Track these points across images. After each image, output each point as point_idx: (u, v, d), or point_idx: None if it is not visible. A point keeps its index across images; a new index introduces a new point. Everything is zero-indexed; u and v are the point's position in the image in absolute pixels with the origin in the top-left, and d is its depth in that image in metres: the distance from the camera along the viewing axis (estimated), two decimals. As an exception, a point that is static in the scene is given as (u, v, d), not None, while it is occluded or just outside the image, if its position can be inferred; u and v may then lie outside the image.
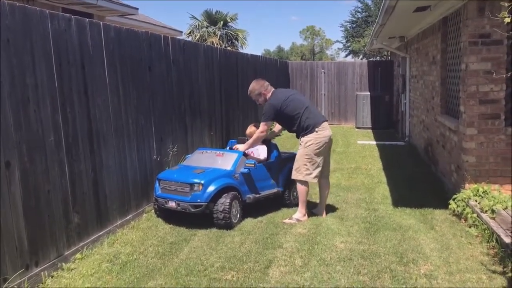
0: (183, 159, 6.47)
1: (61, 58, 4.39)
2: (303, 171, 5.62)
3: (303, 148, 5.61)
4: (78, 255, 4.55)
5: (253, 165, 5.65)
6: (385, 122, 14.73)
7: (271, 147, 6.34)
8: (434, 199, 6.32)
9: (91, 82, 4.85)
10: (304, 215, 5.66)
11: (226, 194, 5.33)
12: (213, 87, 8.68)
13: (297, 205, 5.81)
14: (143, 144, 5.96)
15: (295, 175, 5.70)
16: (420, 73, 9.78)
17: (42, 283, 4.05)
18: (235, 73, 10.22)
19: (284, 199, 6.23)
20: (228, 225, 5.28)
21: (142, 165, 5.88)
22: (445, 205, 5.83)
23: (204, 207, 5.25)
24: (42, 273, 4.08)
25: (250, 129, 6.35)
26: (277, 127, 6.35)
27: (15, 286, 3.78)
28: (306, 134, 5.61)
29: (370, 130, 14.40)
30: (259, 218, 5.70)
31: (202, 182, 5.26)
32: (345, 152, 10.48)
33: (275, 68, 14.80)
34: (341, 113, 16.31)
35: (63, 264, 4.35)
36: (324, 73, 16.27)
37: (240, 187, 5.58)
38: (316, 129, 5.58)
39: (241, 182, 5.64)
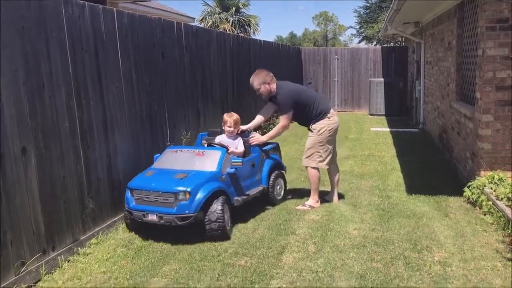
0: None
1: (75, 45, 4.41)
2: (316, 158, 5.60)
3: (316, 136, 5.57)
4: (93, 240, 4.61)
5: (241, 163, 4.99)
6: (398, 109, 14.60)
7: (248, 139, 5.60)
8: (448, 186, 6.27)
9: (104, 69, 4.86)
10: (317, 202, 5.66)
11: (216, 200, 4.61)
12: (226, 73, 8.66)
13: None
14: (157, 131, 5.98)
15: (307, 163, 5.66)
16: (435, 59, 9.65)
17: (59, 267, 4.11)
18: (247, 59, 10.17)
19: (268, 196, 5.65)
20: (223, 235, 4.60)
21: (156, 152, 5.90)
22: (459, 193, 5.78)
23: (193, 218, 4.47)
24: (58, 257, 4.15)
25: (234, 116, 5.51)
26: (258, 119, 5.85)
27: (33, 270, 3.85)
28: (318, 120, 5.57)
29: (383, 117, 14.29)
30: (269, 206, 5.70)
31: (189, 189, 4.44)
32: (358, 139, 10.42)
33: (287, 54, 14.71)
34: (354, 99, 16.19)
35: (79, 249, 4.41)
36: (338, 59, 16.14)
37: (227, 190, 4.87)
38: (328, 115, 5.57)
39: (227, 183, 4.92)
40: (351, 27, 76.08)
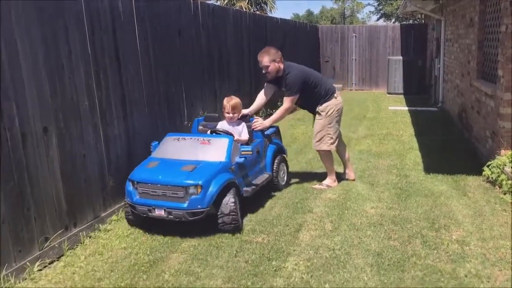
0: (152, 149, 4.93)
1: (93, 25, 4.43)
2: (327, 140, 5.49)
3: (325, 118, 5.43)
4: (114, 217, 4.71)
5: (251, 152, 4.67)
6: (417, 88, 14.39)
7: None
8: (467, 165, 6.20)
9: (122, 48, 4.89)
10: (334, 181, 5.66)
11: (228, 193, 4.33)
12: (242, 52, 8.62)
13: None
14: (174, 110, 6.02)
15: (319, 146, 5.53)
16: (455, 37, 9.45)
17: (81, 243, 4.22)
18: (264, 37, 10.10)
19: (273, 183, 5.37)
20: (236, 229, 4.33)
21: (173, 131, 5.94)
22: (478, 172, 5.73)
23: (205, 214, 4.19)
24: (80, 233, 4.25)
25: (232, 100, 5.15)
26: (259, 102, 5.60)
27: (56, 245, 3.96)
28: (326, 101, 5.42)
29: (402, 96, 14.12)
30: (287, 183, 5.72)
31: (200, 183, 4.12)
32: (376, 118, 10.34)
33: (304, 32, 14.55)
34: (372, 78, 16.00)
35: (100, 225, 4.51)
36: (356, 37, 15.92)
37: (237, 181, 4.58)
38: (335, 95, 5.50)
39: (236, 174, 4.60)
40: (369, 4, 74.66)
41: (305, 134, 8.56)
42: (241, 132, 5.11)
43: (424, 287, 3.34)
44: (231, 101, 5.12)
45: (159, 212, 4.20)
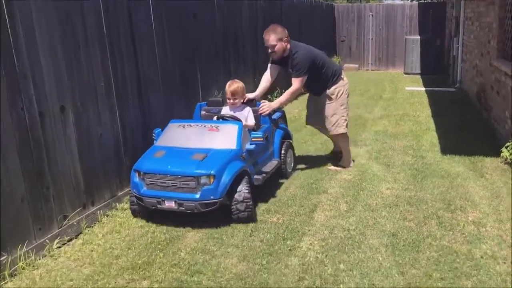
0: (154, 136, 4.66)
1: (108, 5, 4.42)
2: (342, 123, 5.36)
3: (336, 100, 5.29)
4: (130, 196, 4.76)
5: (262, 138, 4.48)
6: (435, 68, 14.15)
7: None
8: (485, 146, 6.12)
9: (138, 29, 4.88)
10: (351, 162, 5.64)
11: (242, 181, 4.16)
12: (257, 33, 8.54)
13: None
14: (189, 91, 6.02)
15: (336, 130, 5.36)
16: (475, 15, 9.24)
17: (99, 221, 4.29)
18: (279, 18, 9.97)
19: (281, 170, 5.16)
20: (250, 217, 4.15)
21: (188, 112, 5.95)
22: (496, 153, 5.65)
23: (218, 205, 4.03)
24: (98, 212, 4.32)
25: (233, 85, 4.87)
26: (264, 85, 5.38)
27: (74, 223, 4.04)
28: (334, 83, 5.26)
29: (419, 76, 13.90)
30: (301, 165, 5.72)
31: (213, 172, 3.94)
32: (392, 98, 10.23)
33: (320, 11, 14.35)
34: (389, 58, 15.77)
35: (117, 204, 4.58)
36: (372, 16, 15.66)
37: (249, 169, 4.39)
38: (342, 76, 5.36)
39: (247, 161, 4.40)
40: (386, -18, 73.24)
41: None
42: (247, 117, 4.86)
43: (440, 268, 3.34)
44: (231, 86, 4.83)
45: (169, 204, 4.01)
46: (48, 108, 3.76)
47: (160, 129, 4.63)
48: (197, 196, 3.95)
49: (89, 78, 4.21)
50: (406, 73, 14.46)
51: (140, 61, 4.92)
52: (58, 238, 3.86)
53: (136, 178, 4.16)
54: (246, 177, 4.23)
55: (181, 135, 4.47)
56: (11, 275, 3.42)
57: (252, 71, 8.21)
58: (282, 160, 5.10)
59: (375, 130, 7.33)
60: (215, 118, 4.89)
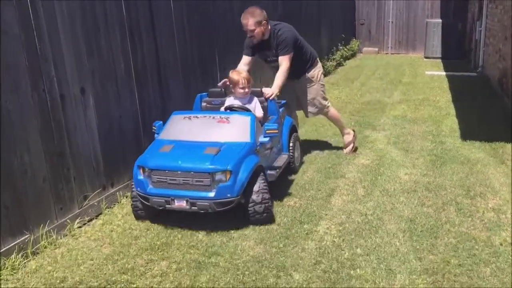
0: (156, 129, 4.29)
1: (127, -14, 4.42)
2: (326, 103, 5.38)
3: (317, 84, 5.25)
4: (149, 178, 4.81)
5: (276, 130, 4.15)
6: (456, 52, 13.87)
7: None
8: (506, 133, 6.01)
9: (157, 12, 4.87)
10: (349, 133, 5.59)
11: (258, 178, 3.82)
12: (276, 13, 8.45)
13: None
14: (207, 74, 6.01)
15: (324, 112, 5.41)
16: (500, -3, 9.01)
17: (118, 202, 4.36)
18: (298, 3, 9.86)
19: (289, 164, 4.81)
20: (268, 218, 3.85)
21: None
22: (518, 139, 5.56)
23: (235, 203, 3.72)
24: (117, 193, 4.39)
25: (244, 73, 4.62)
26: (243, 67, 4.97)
27: (95, 204, 4.11)
28: (313, 66, 5.22)
29: (439, 60, 13.66)
30: (319, 150, 5.70)
31: (229, 168, 3.61)
32: (412, 83, 10.08)
33: (340, -6, 14.11)
34: (409, 42, 15.48)
35: (136, 186, 4.63)
36: (393, -1, 15.35)
37: (263, 164, 4.06)
38: (317, 58, 5.35)
39: (261, 155, 4.07)
40: (408, -36, 71.58)
41: (338, 99, 8.45)
42: (255, 108, 4.53)
43: (458, 254, 3.32)
44: (242, 74, 4.55)
45: (180, 204, 3.67)
46: (68, 90, 3.80)
47: (161, 122, 4.28)
48: (212, 194, 3.61)
49: (109, 61, 4.23)
50: (426, 57, 14.21)
51: (159, 44, 4.93)
52: (79, 218, 3.94)
53: (140, 176, 3.78)
54: (262, 174, 3.90)
55: (188, 128, 4.12)
56: (34, 253, 3.50)
57: (270, 54, 8.14)
58: (291, 154, 4.79)
59: (394, 115, 7.26)
60: (222, 109, 4.58)
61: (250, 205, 3.74)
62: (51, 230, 3.68)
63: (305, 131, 6.49)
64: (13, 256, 3.34)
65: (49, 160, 3.65)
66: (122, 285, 3.11)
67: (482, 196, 4.23)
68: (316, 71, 5.28)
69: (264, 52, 5.01)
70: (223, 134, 4.00)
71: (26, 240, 3.46)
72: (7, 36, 3.25)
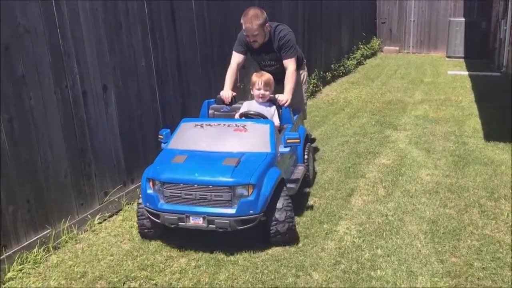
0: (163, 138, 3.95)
1: (150, -16, 4.44)
2: (305, 101, 5.17)
3: (302, 85, 4.97)
4: (168, 176, 4.83)
5: (299, 140, 3.73)
6: (479, 51, 13.62)
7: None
8: (531, 134, 5.89)
9: (178, 9, 4.88)
10: None
11: (282, 193, 3.47)
12: (297, 13, 8.42)
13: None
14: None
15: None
16: (526, -4, 8.80)
17: (138, 199, 4.37)
18: (319, 3, 9.80)
19: (304, 176, 4.31)
20: (291, 238, 3.50)
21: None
22: (544, 141, 5.43)
23: (257, 221, 3.34)
24: (137, 189, 4.40)
25: (264, 75, 4.24)
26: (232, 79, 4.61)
27: (115, 200, 4.14)
28: (301, 68, 4.92)
29: (462, 60, 13.44)
30: (338, 149, 5.65)
31: (253, 181, 3.26)
32: (433, 82, 9.94)
33: (361, -8, 13.98)
34: (431, 41, 15.27)
35: (156, 183, 4.65)
36: (415, -3, 15.16)
37: (284, 177, 3.68)
38: (305, 60, 5.08)
39: (281, 167, 3.72)
40: (430, -38, 70.67)
41: (358, 98, 8.38)
42: (273, 115, 4.17)
43: (481, 257, 3.25)
44: (263, 76, 4.19)
45: (196, 221, 3.31)
46: (90, 87, 3.84)
47: (168, 130, 3.95)
48: (233, 210, 3.26)
49: (130, 58, 4.26)
50: (448, 57, 14.00)
51: (180, 41, 4.94)
52: (99, 213, 3.97)
53: (150, 190, 3.42)
54: (285, 188, 3.57)
55: (201, 137, 3.76)
56: (55, 248, 3.54)
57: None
58: (306, 166, 4.38)
59: (416, 115, 7.16)
60: (237, 116, 4.23)
61: (272, 223, 3.37)
62: (72, 225, 3.71)
63: (325, 130, 6.45)
64: (35, 250, 3.38)
65: (70, 156, 3.69)
66: (142, 281, 3.13)
67: (507, 198, 4.14)
68: (303, 74, 5.00)
69: (260, 55, 4.65)
70: (241, 144, 3.64)
71: (48, 235, 3.50)
72: (30, 35, 3.29)
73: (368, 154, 5.43)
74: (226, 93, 4.39)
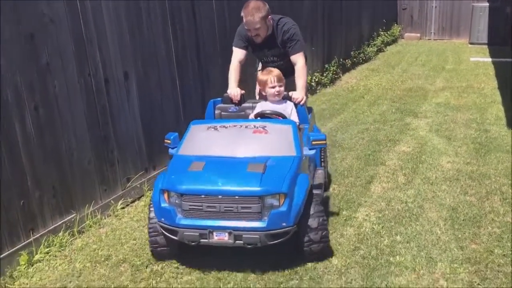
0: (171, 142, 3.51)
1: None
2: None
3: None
4: (189, 163, 4.90)
5: (325, 141, 3.40)
6: (503, 37, 13.33)
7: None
8: (556, 121, 5.78)
9: (198, 5, 4.91)
10: None
11: (313, 200, 3.15)
12: (317, 7, 8.35)
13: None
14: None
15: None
16: (552, -20, 8.58)
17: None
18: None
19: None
20: (326, 249, 3.18)
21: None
22: None
23: (290, 234, 2.98)
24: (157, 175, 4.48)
25: (273, 72, 3.78)
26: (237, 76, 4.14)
27: (137, 186, 4.23)
28: None
29: (485, 46, 13.17)
30: (358, 137, 5.64)
31: (284, 190, 2.89)
32: (455, 69, 9.78)
33: (381, -22, 13.78)
34: (453, 27, 14.99)
35: (176, 169, 4.72)
36: (437, -18, 14.88)
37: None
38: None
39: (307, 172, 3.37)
40: None
41: (379, 85, 8.31)
42: (290, 114, 3.77)
43: (502, 244, 3.24)
44: (272, 72, 3.76)
45: (221, 237, 2.92)
46: (112, 74, 3.90)
47: (176, 134, 3.53)
48: (263, 224, 2.88)
49: (151, 48, 4.30)
50: (471, 43, 13.74)
51: (200, 33, 4.96)
52: (122, 199, 4.06)
53: (164, 203, 3.01)
54: (314, 194, 3.25)
55: (217, 140, 3.34)
56: (80, 232, 3.64)
57: (309, 39, 8.06)
58: (324, 169, 4.02)
59: (437, 102, 7.08)
60: (251, 116, 3.82)
61: (307, 233, 3.03)
62: (96, 211, 3.81)
63: (344, 118, 6.43)
64: (60, 234, 3.48)
65: (94, 143, 3.77)
66: (164, 264, 3.20)
67: (529, 186, 4.10)
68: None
69: (263, 50, 4.22)
70: (263, 147, 3.23)
71: (73, 219, 3.60)
72: (54, 24, 3.36)
73: (388, 141, 5.41)
74: (234, 91, 3.95)
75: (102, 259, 3.31)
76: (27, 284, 3.08)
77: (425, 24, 15.28)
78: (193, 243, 2.97)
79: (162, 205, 3.00)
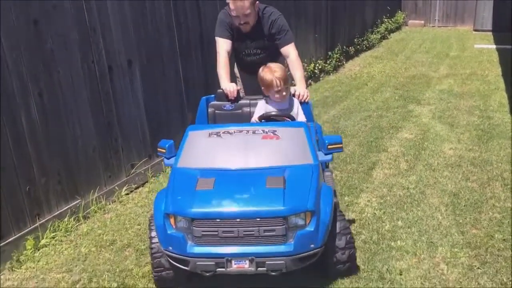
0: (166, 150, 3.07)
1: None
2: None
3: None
4: (192, 149, 4.93)
5: (341, 145, 2.98)
6: (509, 24, 13.24)
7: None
8: (560, 108, 5.77)
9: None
10: None
11: (338, 215, 2.79)
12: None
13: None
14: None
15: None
16: (558, -35, 8.49)
17: (163, 171, 4.50)
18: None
19: None
20: (352, 268, 2.84)
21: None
22: None
23: (317, 257, 2.60)
24: (162, 162, 4.51)
25: (276, 72, 3.19)
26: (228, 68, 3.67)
27: (141, 172, 4.27)
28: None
29: (490, 33, 13.08)
30: (361, 123, 5.65)
31: (310, 207, 2.51)
32: (459, 56, 9.75)
33: (386, -35, 13.67)
34: (458, 14, 14.88)
35: (180, 156, 4.76)
36: (441, -31, 14.74)
37: None
38: None
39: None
40: None
41: (382, 73, 8.30)
42: (297, 114, 3.35)
43: (503, 229, 3.27)
44: (276, 72, 3.20)
45: (241, 265, 2.51)
46: (116, 62, 3.92)
47: (171, 141, 3.08)
48: (290, 247, 2.49)
49: (154, 35, 4.31)
50: (475, 30, 13.65)
51: (203, 21, 4.96)
52: (126, 185, 4.10)
53: (171, 229, 2.55)
54: (339, 208, 2.92)
55: (222, 149, 2.89)
56: (85, 217, 3.69)
57: (312, 27, 8.03)
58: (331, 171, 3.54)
59: (440, 89, 7.07)
60: (254, 119, 3.34)
61: (331, 253, 2.70)
62: (101, 196, 3.86)
63: (347, 105, 6.44)
64: (66, 219, 3.53)
65: (98, 130, 3.81)
66: (168, 249, 3.24)
67: (531, 172, 4.12)
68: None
69: (245, 42, 3.77)
70: (277, 156, 2.83)
71: (78, 205, 3.65)
72: (57, 10, 3.37)
73: (390, 128, 5.43)
74: (230, 86, 3.49)
75: (107, 243, 3.36)
76: (33, 267, 3.14)
77: (429, 11, 15.16)
78: (207, 274, 2.53)
79: (169, 231, 2.54)
